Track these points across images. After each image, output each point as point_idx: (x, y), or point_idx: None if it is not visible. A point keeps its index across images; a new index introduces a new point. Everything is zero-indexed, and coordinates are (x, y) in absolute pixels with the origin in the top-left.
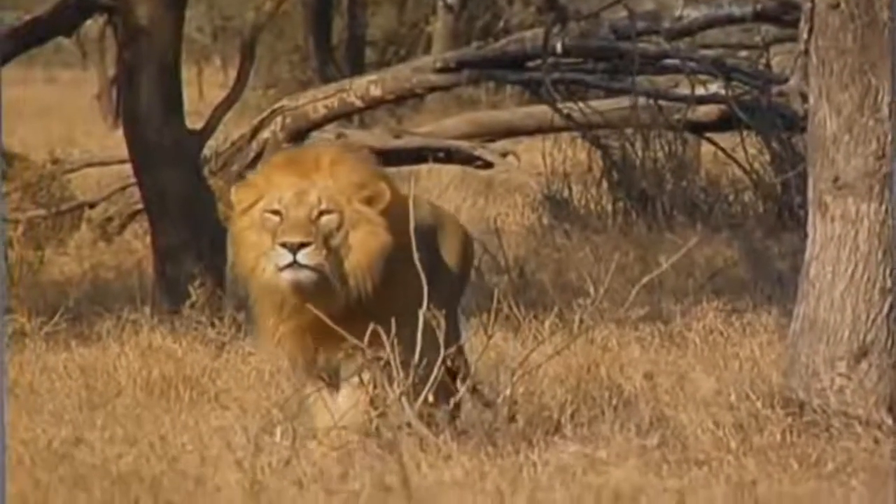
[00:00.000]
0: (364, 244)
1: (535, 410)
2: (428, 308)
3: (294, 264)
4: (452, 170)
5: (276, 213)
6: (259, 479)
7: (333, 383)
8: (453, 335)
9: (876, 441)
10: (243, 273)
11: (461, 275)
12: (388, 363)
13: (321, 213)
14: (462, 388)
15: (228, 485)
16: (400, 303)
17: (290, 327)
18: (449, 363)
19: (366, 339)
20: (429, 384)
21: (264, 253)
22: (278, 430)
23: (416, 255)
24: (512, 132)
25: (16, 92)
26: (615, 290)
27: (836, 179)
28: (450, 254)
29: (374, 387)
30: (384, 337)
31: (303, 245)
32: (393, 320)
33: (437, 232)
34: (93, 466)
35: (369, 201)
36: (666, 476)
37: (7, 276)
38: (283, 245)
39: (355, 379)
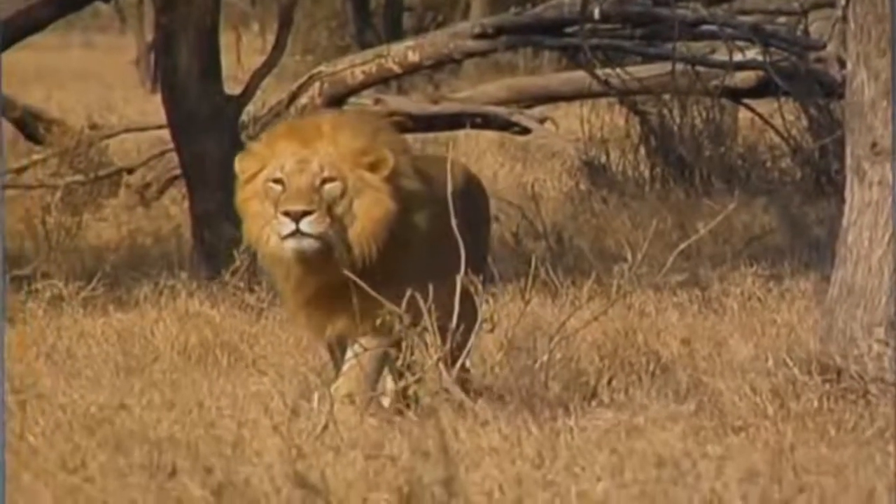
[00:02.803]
0: (368, 211)
1: (571, 376)
2: (441, 275)
3: (297, 233)
4: (490, 136)
5: (278, 182)
6: (296, 444)
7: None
8: (469, 303)
9: None
10: (250, 243)
11: (480, 238)
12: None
13: (324, 181)
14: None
15: (266, 450)
16: (407, 270)
17: (297, 296)
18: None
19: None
20: (464, 352)
21: (268, 222)
22: (315, 396)
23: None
24: (550, 98)
25: (53, 57)
26: (653, 255)
27: (873, 145)
28: (479, 219)
29: (412, 353)
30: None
31: (305, 213)
32: (400, 287)
33: (471, 196)
34: (131, 431)
35: (372, 168)
36: (703, 442)
37: (45, 241)
38: (286, 214)
39: (356, 349)
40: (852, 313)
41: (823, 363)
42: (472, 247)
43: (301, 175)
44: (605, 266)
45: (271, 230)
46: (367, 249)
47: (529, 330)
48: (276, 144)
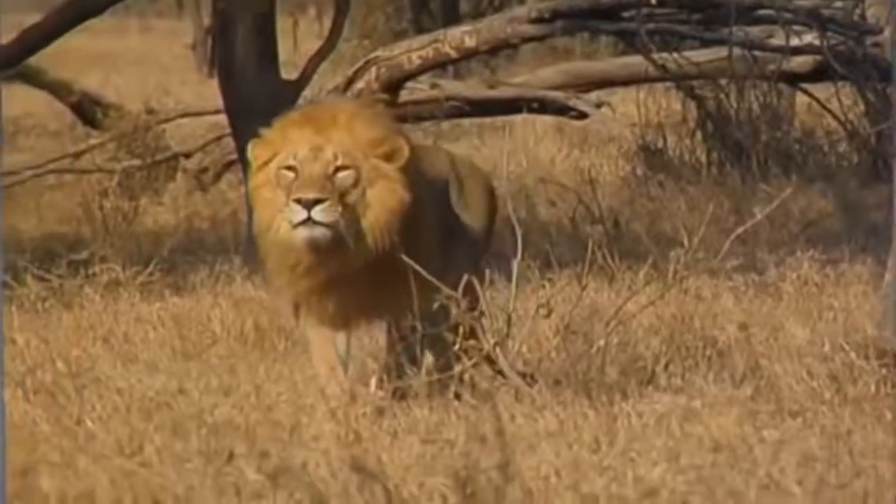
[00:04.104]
0: (381, 201)
1: (628, 361)
2: (447, 264)
3: (309, 221)
4: (547, 120)
5: (291, 169)
6: (354, 428)
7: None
8: (472, 292)
9: None
10: (259, 231)
11: (484, 229)
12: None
13: (337, 170)
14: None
15: (323, 434)
16: (421, 260)
17: (306, 288)
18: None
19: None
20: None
21: (279, 210)
22: (372, 381)
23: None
24: (606, 83)
25: (111, 41)
26: (709, 240)
27: None
28: (473, 205)
29: (469, 337)
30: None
31: (317, 201)
32: (413, 278)
33: (457, 185)
34: (188, 416)
35: (387, 157)
36: (760, 427)
37: (102, 226)
38: (298, 201)
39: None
40: None
41: (880, 348)
42: (462, 239)
43: (314, 163)
44: (661, 251)
45: (283, 218)
46: (380, 239)
47: (586, 315)
48: (289, 131)
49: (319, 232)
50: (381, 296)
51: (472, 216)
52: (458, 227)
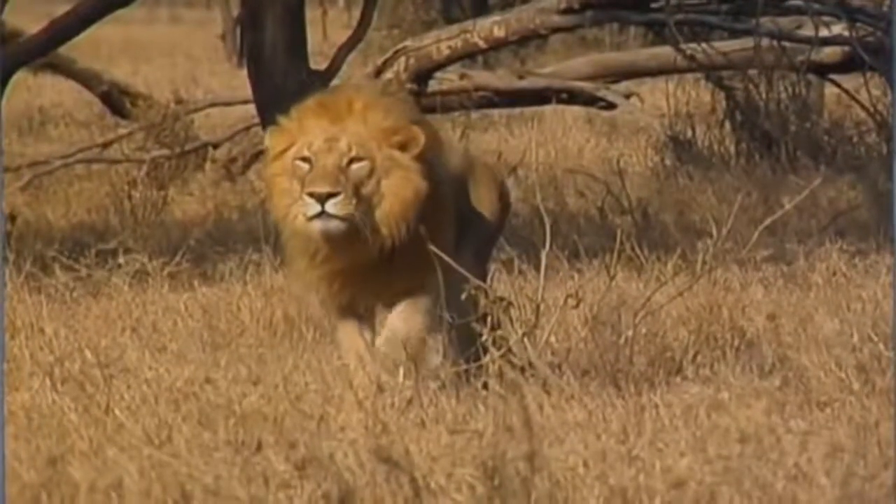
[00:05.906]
0: (396, 191)
1: (656, 351)
2: (458, 255)
3: (323, 214)
4: (576, 111)
5: (306, 160)
6: (381, 419)
7: (366, 318)
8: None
9: None
10: (277, 219)
11: (495, 223)
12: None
13: (351, 161)
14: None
15: (351, 425)
16: (437, 249)
17: (324, 274)
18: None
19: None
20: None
21: (295, 201)
22: (401, 371)
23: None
24: (635, 73)
25: (140, 31)
26: (738, 231)
27: None
28: (482, 201)
29: (499, 327)
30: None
31: (330, 195)
32: (431, 267)
33: (469, 179)
34: (217, 406)
35: (402, 146)
36: (787, 418)
37: (131, 216)
38: (311, 195)
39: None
40: None
41: None
42: (472, 232)
43: (328, 154)
44: (690, 241)
45: (298, 209)
46: (395, 230)
47: (614, 305)
48: (305, 120)
49: (334, 225)
50: (401, 284)
51: (484, 215)
52: (471, 225)
